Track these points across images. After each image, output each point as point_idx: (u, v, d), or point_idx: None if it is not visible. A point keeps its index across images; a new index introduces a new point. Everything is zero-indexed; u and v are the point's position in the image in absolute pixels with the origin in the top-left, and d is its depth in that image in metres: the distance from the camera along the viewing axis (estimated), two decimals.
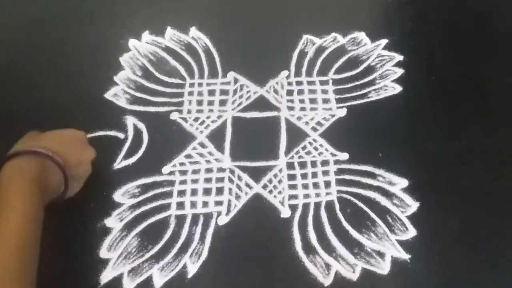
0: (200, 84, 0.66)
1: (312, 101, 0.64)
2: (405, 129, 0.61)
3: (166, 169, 0.58)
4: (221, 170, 0.58)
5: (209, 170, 0.58)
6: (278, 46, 0.69)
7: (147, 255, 0.52)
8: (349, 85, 0.65)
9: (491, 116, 0.62)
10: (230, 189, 0.56)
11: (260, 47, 0.69)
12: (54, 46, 0.70)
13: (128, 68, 0.67)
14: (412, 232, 0.53)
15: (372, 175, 0.57)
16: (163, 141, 0.60)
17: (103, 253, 0.52)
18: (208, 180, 0.57)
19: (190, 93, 0.65)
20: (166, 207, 0.55)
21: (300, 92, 0.64)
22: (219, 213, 0.55)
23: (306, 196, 0.56)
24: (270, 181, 0.57)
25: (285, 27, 0.72)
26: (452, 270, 0.50)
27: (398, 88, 0.64)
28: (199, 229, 0.54)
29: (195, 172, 0.58)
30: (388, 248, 0.52)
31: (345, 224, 0.53)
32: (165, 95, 0.65)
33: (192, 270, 0.51)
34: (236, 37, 0.71)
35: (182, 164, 0.58)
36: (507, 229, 0.53)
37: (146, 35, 0.71)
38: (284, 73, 0.66)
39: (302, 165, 0.58)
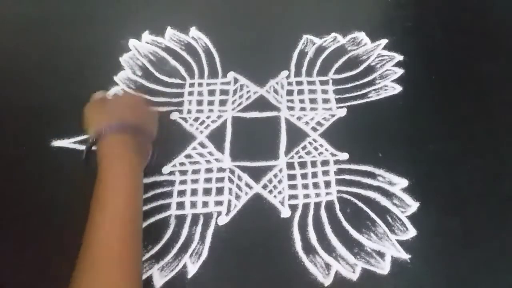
0: (200, 84, 0.66)
1: (312, 101, 0.64)
2: (405, 129, 0.61)
3: (166, 169, 0.58)
4: (221, 170, 0.58)
5: (209, 170, 0.58)
6: (278, 46, 0.69)
7: (147, 255, 0.52)
8: (349, 85, 0.65)
9: (491, 116, 0.62)
10: (230, 189, 0.56)
11: (260, 47, 0.69)
12: (54, 46, 0.70)
13: (128, 68, 0.67)
14: (412, 232, 0.53)
15: (372, 175, 0.57)
16: (163, 141, 0.60)
17: None
18: (208, 180, 0.57)
19: (190, 93, 0.65)
20: (166, 207, 0.55)
21: (300, 92, 0.64)
22: (219, 213, 0.55)
23: (306, 196, 0.56)
24: (270, 181, 0.57)
25: (285, 27, 0.72)
26: (452, 270, 0.50)
27: (398, 88, 0.64)
28: (199, 229, 0.54)
29: (195, 172, 0.58)
30: (388, 248, 0.52)
31: (345, 224, 0.53)
32: (165, 95, 0.65)
33: (192, 270, 0.51)
34: (236, 37, 0.71)
35: (182, 164, 0.58)
36: (507, 229, 0.53)
37: (146, 35, 0.71)
38: (284, 73, 0.66)
39: (302, 165, 0.58)
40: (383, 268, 0.50)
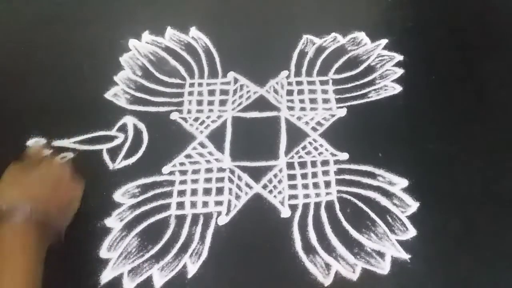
0: (200, 84, 0.66)
1: (312, 101, 0.64)
2: (405, 129, 0.61)
3: (166, 169, 0.58)
4: (221, 170, 0.58)
5: (209, 170, 0.58)
6: (278, 46, 0.69)
7: (147, 255, 0.52)
8: (349, 85, 0.65)
9: (491, 116, 0.62)
10: (230, 189, 0.56)
11: (260, 47, 0.69)
12: (54, 46, 0.70)
13: (128, 68, 0.67)
14: (412, 232, 0.53)
15: (372, 175, 0.57)
16: (163, 141, 0.61)
17: (103, 253, 0.52)
18: (208, 180, 0.57)
19: (190, 93, 0.65)
20: (166, 207, 0.55)
21: (300, 92, 0.64)
22: (219, 213, 0.55)
23: (306, 196, 0.56)
24: (270, 181, 0.57)
25: (285, 27, 0.72)
26: (452, 270, 0.50)
27: (398, 88, 0.64)
28: (199, 229, 0.54)
29: (195, 172, 0.58)
30: (388, 248, 0.52)
31: (345, 224, 0.53)
32: (165, 95, 0.65)
33: (192, 270, 0.51)
34: (236, 37, 0.71)
35: (182, 164, 0.58)
36: (507, 229, 0.53)
37: (146, 35, 0.71)
38: (284, 73, 0.66)
39: (302, 165, 0.58)
40: (383, 268, 0.50)
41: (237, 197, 0.56)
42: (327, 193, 0.56)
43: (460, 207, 0.54)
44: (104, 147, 0.60)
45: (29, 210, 0.45)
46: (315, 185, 0.56)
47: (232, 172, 0.58)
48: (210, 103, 0.64)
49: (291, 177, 0.57)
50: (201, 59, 0.68)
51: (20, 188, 0.48)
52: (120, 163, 0.59)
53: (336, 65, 0.67)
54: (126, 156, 0.59)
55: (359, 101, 0.63)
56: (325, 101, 0.63)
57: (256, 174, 0.57)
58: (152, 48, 0.69)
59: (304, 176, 0.57)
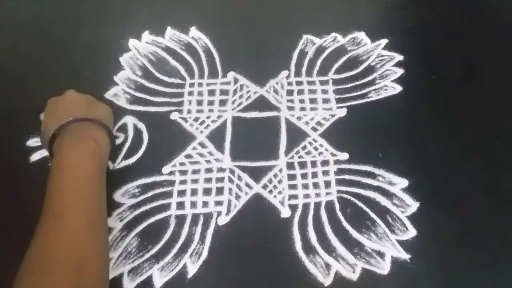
0: (200, 84, 0.66)
1: (312, 101, 0.64)
2: (405, 129, 0.61)
3: (166, 169, 0.58)
4: (221, 170, 0.58)
5: (209, 170, 0.58)
6: (278, 46, 0.69)
7: (147, 255, 0.52)
8: (349, 85, 0.65)
9: (491, 116, 0.62)
10: (230, 189, 0.56)
11: (260, 47, 0.69)
12: (54, 46, 0.70)
13: (128, 68, 0.67)
14: (412, 232, 0.53)
15: (372, 175, 0.57)
16: (163, 141, 0.61)
17: None
18: (208, 180, 0.57)
19: (190, 93, 0.65)
20: (166, 207, 0.55)
21: (300, 92, 0.64)
22: (219, 213, 0.55)
23: (306, 196, 0.56)
24: (270, 181, 0.57)
25: (285, 27, 0.72)
26: (452, 270, 0.50)
27: (398, 88, 0.64)
28: (199, 229, 0.54)
29: (195, 172, 0.58)
30: (388, 248, 0.52)
31: (345, 224, 0.53)
32: (165, 95, 0.65)
33: (192, 270, 0.51)
34: (236, 37, 0.71)
35: (182, 164, 0.58)
36: (507, 229, 0.53)
37: (146, 35, 0.71)
38: (284, 73, 0.66)
39: (302, 165, 0.58)
40: (383, 268, 0.51)
41: (237, 197, 0.56)
42: (327, 193, 0.56)
43: (460, 207, 0.54)
44: None
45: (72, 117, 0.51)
46: (315, 185, 0.56)
47: (232, 172, 0.58)
48: (210, 103, 0.64)
49: (291, 177, 0.57)
50: (201, 59, 0.68)
51: (56, 112, 0.54)
52: (120, 163, 0.59)
53: (336, 65, 0.67)
54: (126, 156, 0.59)
55: (359, 101, 0.63)
56: (325, 101, 0.63)
57: (256, 174, 0.57)
58: (152, 48, 0.69)
59: (304, 176, 0.57)
